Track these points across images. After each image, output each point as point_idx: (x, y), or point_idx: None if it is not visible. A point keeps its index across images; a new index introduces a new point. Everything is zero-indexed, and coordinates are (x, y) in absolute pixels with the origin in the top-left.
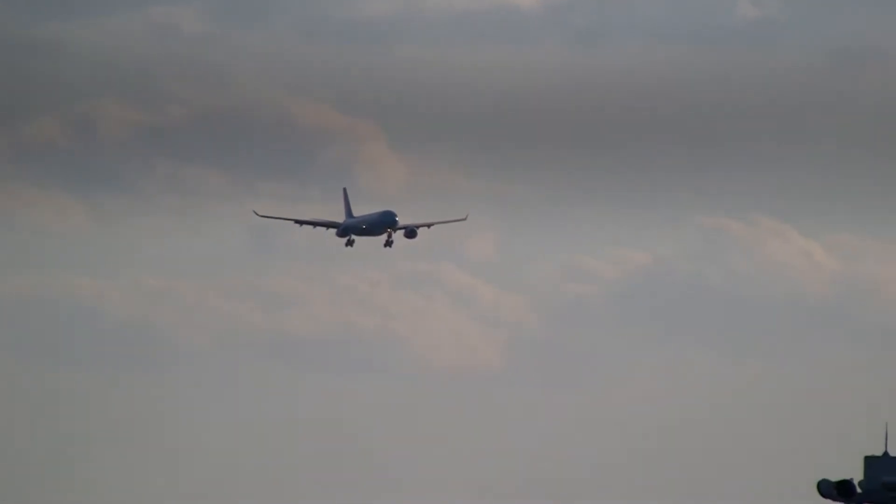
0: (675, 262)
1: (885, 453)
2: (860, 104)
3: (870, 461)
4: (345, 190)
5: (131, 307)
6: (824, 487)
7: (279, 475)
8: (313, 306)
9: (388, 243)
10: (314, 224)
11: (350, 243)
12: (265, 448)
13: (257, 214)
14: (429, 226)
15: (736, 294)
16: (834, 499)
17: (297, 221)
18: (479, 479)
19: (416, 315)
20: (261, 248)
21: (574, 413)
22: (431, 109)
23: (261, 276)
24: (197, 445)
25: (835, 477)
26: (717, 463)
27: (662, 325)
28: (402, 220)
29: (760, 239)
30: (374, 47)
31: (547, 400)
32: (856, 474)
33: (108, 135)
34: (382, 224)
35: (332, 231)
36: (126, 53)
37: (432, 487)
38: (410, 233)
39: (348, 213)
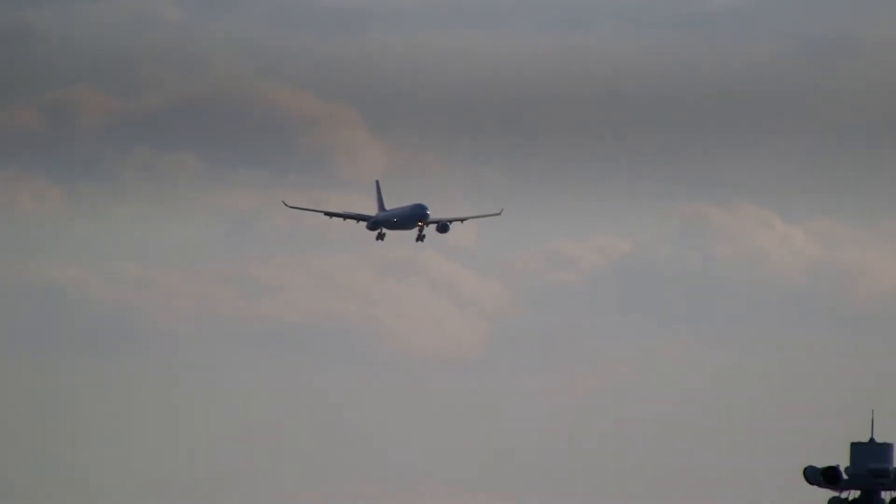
0: (657, 249)
1: (872, 439)
2: (839, 91)
3: (856, 447)
4: (377, 182)
5: (109, 294)
6: (810, 474)
7: (262, 463)
8: (294, 294)
9: (420, 237)
10: (344, 216)
11: (381, 237)
12: (248, 436)
13: (286, 205)
14: (462, 220)
15: (719, 281)
16: (820, 485)
17: (326, 213)
18: (463, 467)
19: (398, 303)
20: (241, 235)
21: (557, 400)
22: (410, 95)
23: (241, 263)
24: (177, 433)
25: (821, 463)
26: (702, 451)
27: (645, 313)
28: (433, 213)
29: (742, 225)
30: (350, 34)
31: (530, 387)
32: (842, 461)
33: (86, 122)
34: (413, 217)
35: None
36: (103, 41)
37: (417, 475)
38: (442, 227)
39: (380, 206)
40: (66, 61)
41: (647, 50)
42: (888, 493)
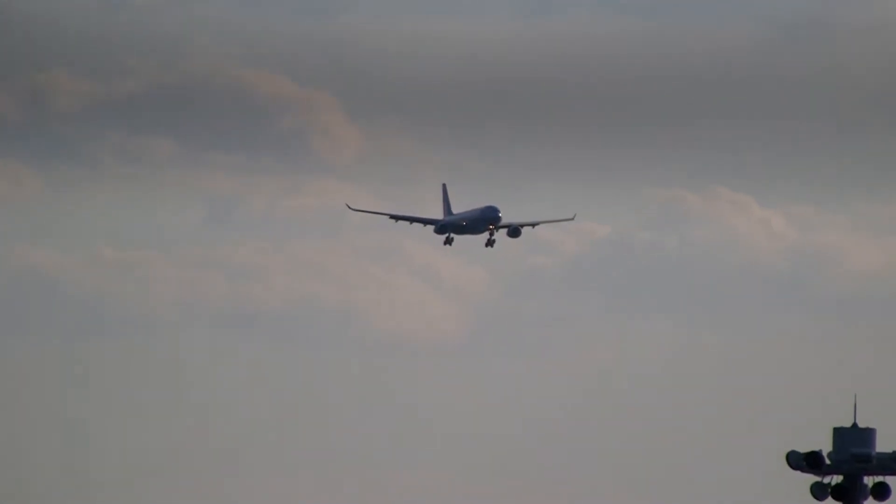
0: (635, 234)
1: (854, 425)
2: (815, 76)
3: (838, 433)
4: (444, 186)
5: (87, 278)
6: (793, 459)
7: (243, 447)
8: (273, 278)
9: (490, 242)
10: (411, 220)
11: (449, 241)
12: (227, 420)
13: (350, 208)
14: (533, 225)
15: (697, 266)
16: (803, 470)
17: (392, 217)
18: (446, 452)
19: (378, 288)
20: (219, 219)
21: (535, 385)
22: (388, 80)
23: (220, 247)
24: (156, 417)
25: (804, 448)
26: (684, 436)
27: (624, 298)
28: (505, 217)
29: (720, 210)
30: (326, 18)
31: (509, 372)
32: (825, 446)
33: (61, 106)
34: (484, 221)
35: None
36: (77, 24)
37: (399, 460)
38: (514, 231)
39: (447, 209)
40: (41, 45)
41: (624, 36)
42: (871, 478)
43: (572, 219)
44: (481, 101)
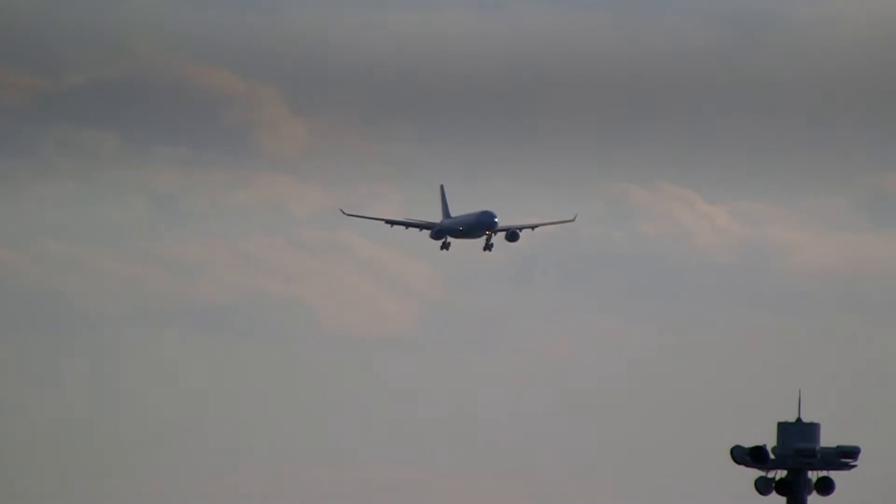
0: (581, 229)
1: (799, 419)
2: (760, 70)
3: (783, 427)
4: (442, 188)
5: (33, 273)
6: (737, 454)
7: (189, 444)
8: (217, 273)
9: (488, 247)
10: (406, 225)
11: (446, 246)
12: (171, 415)
13: (344, 213)
14: (532, 227)
15: (643, 262)
16: (747, 465)
17: (388, 221)
18: (393, 447)
19: (324, 283)
20: (163, 214)
21: (482, 379)
22: (331, 74)
23: (165, 241)
24: (101, 414)
25: (748, 443)
26: (629, 430)
27: (569, 292)
28: (502, 221)
29: (665, 206)
30: (274, 12)
31: (456, 367)
32: (769, 440)
33: (5, 101)
34: (480, 225)
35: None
36: (21, 18)
37: (345, 456)
38: (512, 235)
39: (445, 213)
40: None
41: (570, 31)
42: (815, 472)
43: (573, 220)
44: (431, 96)
